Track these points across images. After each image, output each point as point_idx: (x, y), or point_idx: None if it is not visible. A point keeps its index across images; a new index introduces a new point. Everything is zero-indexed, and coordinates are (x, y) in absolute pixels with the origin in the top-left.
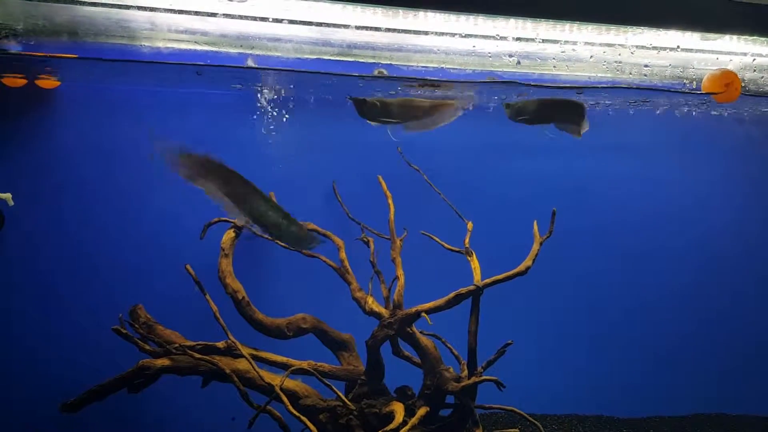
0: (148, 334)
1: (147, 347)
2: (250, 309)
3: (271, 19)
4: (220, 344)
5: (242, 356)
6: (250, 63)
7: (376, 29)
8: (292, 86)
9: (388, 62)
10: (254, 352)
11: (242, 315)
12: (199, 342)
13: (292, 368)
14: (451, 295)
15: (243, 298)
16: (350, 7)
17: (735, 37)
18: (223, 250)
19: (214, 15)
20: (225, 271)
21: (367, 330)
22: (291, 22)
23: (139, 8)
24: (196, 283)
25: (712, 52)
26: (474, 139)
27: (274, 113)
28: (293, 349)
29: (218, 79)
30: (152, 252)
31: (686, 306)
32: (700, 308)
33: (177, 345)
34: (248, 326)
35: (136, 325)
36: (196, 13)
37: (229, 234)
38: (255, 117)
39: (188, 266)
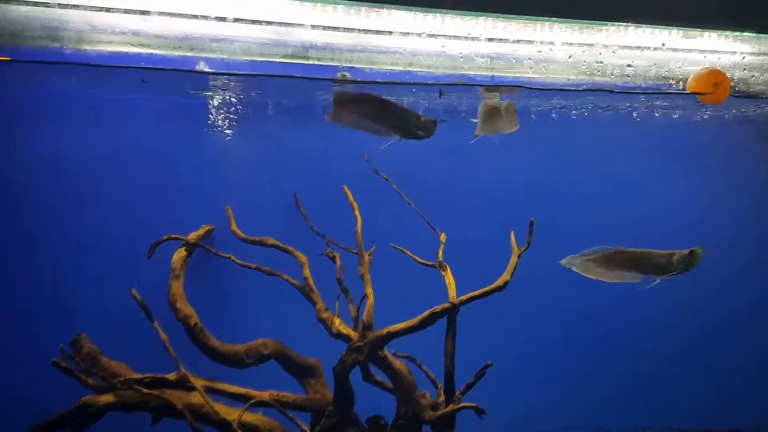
0: (91, 367)
1: (91, 382)
2: (204, 335)
3: (213, 17)
4: (171, 376)
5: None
6: (202, 66)
7: (335, 28)
8: (244, 91)
9: (349, 65)
10: (209, 384)
11: (195, 343)
12: (148, 374)
13: (252, 401)
14: (426, 314)
15: (196, 324)
16: (307, 4)
17: (723, 33)
18: (174, 270)
19: (147, 13)
20: (175, 294)
21: (336, 352)
22: (236, 20)
23: (59, 5)
24: (143, 309)
25: (699, 50)
26: (446, 145)
27: (227, 119)
28: (256, 377)
29: (163, 84)
30: (96, 272)
31: (681, 320)
32: (695, 322)
33: (123, 378)
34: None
35: (78, 358)
36: (126, 11)
37: (180, 253)
38: (207, 123)
39: (134, 290)
